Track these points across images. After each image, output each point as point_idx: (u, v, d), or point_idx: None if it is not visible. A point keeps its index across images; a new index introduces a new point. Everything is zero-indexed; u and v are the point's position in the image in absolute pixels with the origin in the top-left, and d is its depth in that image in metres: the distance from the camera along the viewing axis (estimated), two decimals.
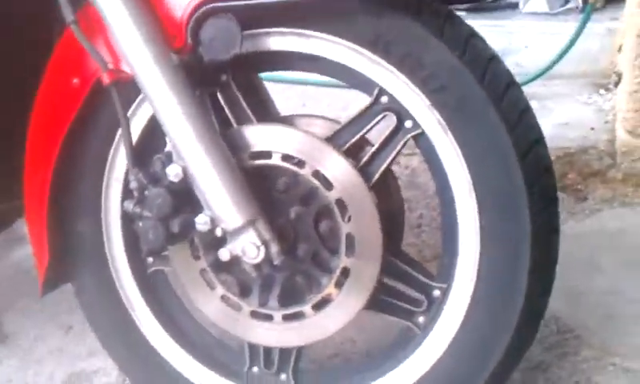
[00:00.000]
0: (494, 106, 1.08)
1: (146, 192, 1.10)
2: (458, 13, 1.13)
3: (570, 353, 1.55)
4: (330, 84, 3.18)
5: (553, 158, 1.16)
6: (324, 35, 1.11)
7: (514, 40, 3.53)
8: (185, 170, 1.10)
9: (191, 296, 1.25)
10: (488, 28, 3.31)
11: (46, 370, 1.66)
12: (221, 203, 1.09)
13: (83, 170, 1.26)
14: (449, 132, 1.10)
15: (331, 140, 1.15)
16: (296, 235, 1.18)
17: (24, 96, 1.29)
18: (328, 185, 1.14)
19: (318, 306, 1.19)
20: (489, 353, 1.16)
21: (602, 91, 3.18)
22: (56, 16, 1.14)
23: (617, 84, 3.11)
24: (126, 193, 1.23)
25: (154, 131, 1.20)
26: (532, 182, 1.09)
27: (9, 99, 1.41)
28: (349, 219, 1.14)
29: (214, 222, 1.11)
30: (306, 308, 1.19)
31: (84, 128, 1.21)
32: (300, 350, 1.28)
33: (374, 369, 1.25)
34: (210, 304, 1.24)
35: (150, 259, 1.31)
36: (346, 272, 1.16)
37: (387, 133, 1.14)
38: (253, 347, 1.29)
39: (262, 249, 1.11)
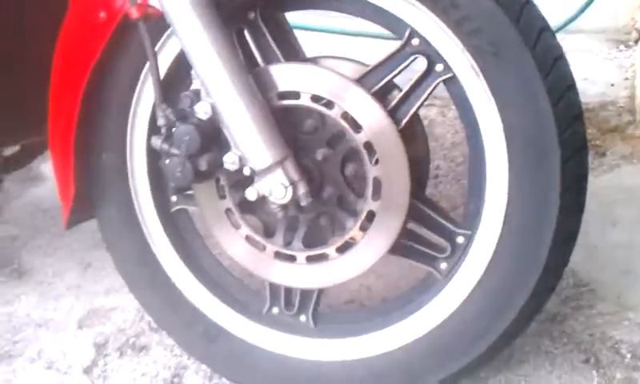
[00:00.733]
0: (528, 50, 1.06)
1: (174, 129, 1.09)
2: None
3: (584, 306, 1.55)
4: (347, 32, 3.16)
5: None
6: None
7: None
8: (213, 108, 1.09)
9: (215, 235, 1.25)
10: None
11: (65, 306, 1.67)
12: (249, 142, 1.09)
13: (109, 105, 1.25)
14: (481, 76, 1.08)
15: (360, 82, 1.13)
16: (322, 177, 1.18)
17: (40, 33, 1.28)
18: (356, 127, 1.13)
19: (342, 249, 1.19)
20: (510, 301, 1.16)
21: (621, 47, 3.15)
22: None
23: (637, 40, 3.08)
24: (152, 129, 1.22)
25: (181, 68, 1.20)
26: (563, 129, 1.08)
27: (25, 38, 1.40)
28: (376, 162, 1.13)
29: (242, 161, 1.11)
30: (330, 250, 1.19)
31: (110, 62, 1.20)
32: (320, 293, 1.29)
33: (394, 312, 1.25)
34: (234, 244, 1.24)
35: (174, 198, 1.31)
36: (371, 215, 1.16)
37: (417, 76, 1.12)
38: (274, 288, 1.29)
39: (290, 189, 1.11)
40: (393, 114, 1.13)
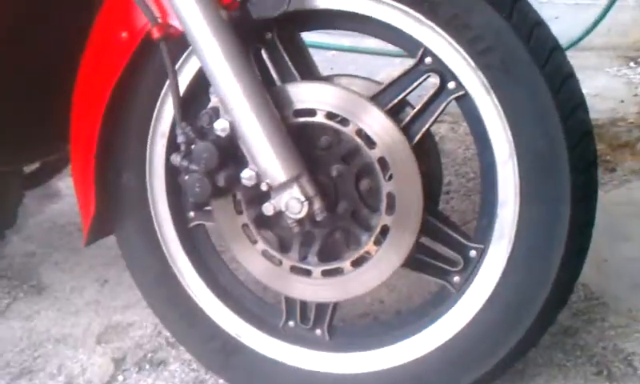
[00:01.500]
0: (538, 69, 1.09)
1: (193, 146, 1.12)
2: None
3: (597, 319, 1.56)
4: (356, 49, 3.19)
5: None
6: None
7: (544, 11, 3.48)
8: (232, 125, 1.12)
9: (232, 250, 1.28)
10: None
11: (83, 322, 1.70)
12: (267, 158, 1.12)
13: (130, 123, 1.28)
14: (493, 94, 1.11)
15: (374, 99, 1.16)
16: (337, 192, 1.20)
17: (64, 52, 1.31)
18: (371, 143, 1.15)
19: (357, 263, 1.21)
20: (522, 314, 1.18)
21: (632, 64, 3.16)
22: None
23: None
24: (171, 146, 1.25)
25: (200, 86, 1.23)
26: (573, 146, 1.10)
27: (49, 57, 1.44)
28: (390, 178, 1.16)
29: (259, 177, 1.13)
30: (345, 264, 1.22)
31: (131, 81, 1.23)
32: (336, 306, 1.31)
33: (408, 326, 1.27)
34: (251, 258, 1.27)
35: (192, 213, 1.34)
36: (385, 230, 1.18)
37: (430, 94, 1.15)
38: (289, 302, 1.31)
39: (306, 204, 1.13)
40: (406, 130, 1.15)
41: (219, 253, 1.39)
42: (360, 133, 1.15)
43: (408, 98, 1.17)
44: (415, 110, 1.16)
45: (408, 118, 1.16)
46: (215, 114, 1.14)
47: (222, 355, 1.36)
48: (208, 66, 1.10)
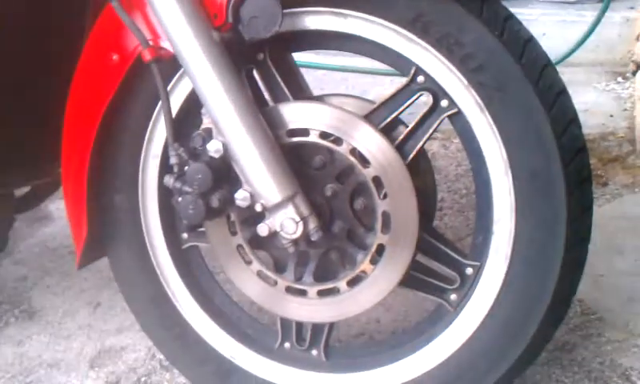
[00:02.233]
0: (531, 86, 1.09)
1: (186, 167, 1.12)
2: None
3: (593, 334, 1.56)
4: (347, 69, 3.20)
5: None
6: (361, 14, 1.12)
7: (531, 28, 3.53)
8: (225, 146, 1.11)
9: (227, 271, 1.27)
10: None
11: (76, 346, 1.68)
12: (261, 179, 1.11)
13: (122, 144, 1.27)
14: (486, 111, 1.11)
15: (367, 118, 1.16)
16: (332, 212, 1.19)
17: (55, 74, 1.31)
18: (365, 162, 1.15)
19: (353, 282, 1.20)
20: (520, 331, 1.17)
21: (619, 79, 3.19)
22: None
23: (634, 72, 3.12)
24: (164, 168, 1.25)
25: (192, 107, 1.22)
26: (568, 162, 1.10)
27: (40, 79, 1.43)
28: (385, 196, 1.15)
29: (253, 198, 1.13)
30: (341, 284, 1.21)
31: (123, 104, 1.22)
32: (332, 327, 1.30)
33: (405, 345, 1.26)
34: (246, 279, 1.26)
35: (185, 235, 1.33)
36: (381, 249, 1.17)
37: (423, 112, 1.15)
38: (285, 322, 1.30)
39: (301, 224, 1.13)
40: (400, 148, 1.15)
41: (213, 274, 1.38)
42: (354, 152, 1.15)
43: (401, 116, 1.17)
44: (409, 129, 1.16)
45: (401, 137, 1.16)
46: (208, 134, 1.13)
47: (217, 378, 1.35)
48: (200, 87, 1.10)
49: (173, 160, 1.13)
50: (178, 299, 1.34)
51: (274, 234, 1.15)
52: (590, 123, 2.66)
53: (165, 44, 1.13)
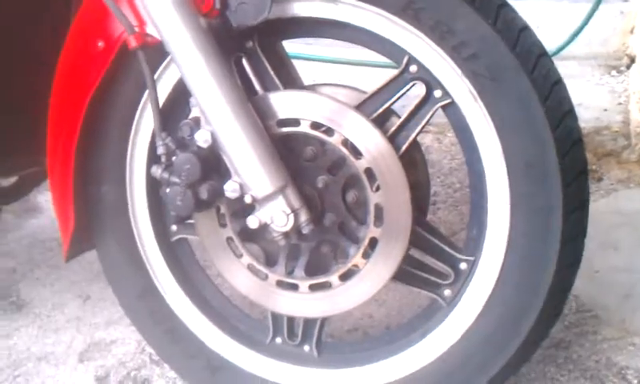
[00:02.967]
0: (526, 75, 1.07)
1: (174, 157, 1.09)
2: None
3: (589, 332, 1.54)
4: (339, 60, 3.17)
5: None
6: (352, 1, 1.10)
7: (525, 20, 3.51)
8: (213, 136, 1.09)
9: (217, 264, 1.25)
10: None
11: (65, 339, 1.66)
12: (250, 169, 1.09)
13: (108, 134, 1.25)
14: (480, 101, 1.08)
15: (359, 109, 1.14)
16: (323, 204, 1.17)
17: (41, 63, 1.28)
18: (357, 154, 1.13)
19: (345, 277, 1.18)
20: (516, 327, 1.15)
21: (614, 73, 3.17)
22: None
23: (629, 66, 3.10)
24: (152, 158, 1.22)
25: (180, 96, 1.20)
26: (564, 154, 1.08)
27: (25, 68, 1.41)
28: (377, 189, 1.13)
29: (242, 189, 1.10)
30: (333, 278, 1.19)
31: (109, 92, 1.20)
32: (324, 322, 1.28)
33: (398, 341, 1.24)
34: (236, 273, 1.24)
35: (174, 227, 1.31)
36: (374, 242, 1.15)
37: (416, 102, 1.12)
38: (276, 317, 1.28)
39: (292, 217, 1.10)
40: (392, 140, 1.13)
41: (203, 267, 1.36)
42: (346, 143, 1.13)
43: (393, 107, 1.15)
44: (401, 119, 1.13)
45: (394, 128, 1.13)
46: (196, 124, 1.11)
47: (207, 372, 1.32)
48: (187, 75, 1.07)
49: (160, 150, 1.10)
50: (168, 293, 1.32)
51: (264, 227, 1.13)
52: (585, 117, 2.64)
53: (151, 30, 1.10)
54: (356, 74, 2.94)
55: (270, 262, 1.22)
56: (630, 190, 2.17)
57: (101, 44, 1.15)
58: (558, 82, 1.11)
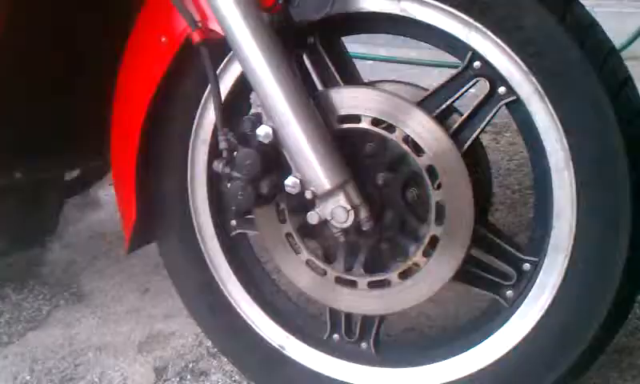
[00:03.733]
0: (595, 72, 1.03)
1: (236, 153, 1.10)
2: None
3: None
4: (394, 59, 3.15)
5: None
6: None
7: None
8: (275, 131, 1.09)
9: (275, 260, 1.25)
10: None
11: (124, 330, 1.69)
12: (311, 165, 1.08)
13: (171, 129, 1.26)
14: (546, 99, 1.05)
15: (421, 105, 1.12)
16: (384, 201, 1.16)
17: (106, 57, 1.31)
18: (418, 151, 1.11)
19: (405, 275, 1.17)
20: (580, 331, 1.12)
21: None
22: None
23: None
24: (213, 153, 1.23)
25: (242, 91, 1.20)
26: (633, 154, 1.04)
27: (90, 62, 1.43)
28: (439, 186, 1.11)
29: (303, 185, 1.10)
30: (392, 276, 1.17)
31: (172, 87, 1.21)
32: (382, 320, 1.26)
33: (457, 342, 1.22)
34: (295, 268, 1.23)
35: (234, 222, 1.31)
36: (434, 241, 1.13)
37: (479, 99, 1.10)
38: (334, 314, 1.28)
39: (352, 213, 1.10)
40: (455, 137, 1.11)
41: (262, 262, 1.37)
42: (407, 140, 1.11)
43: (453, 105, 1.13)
44: (465, 116, 1.11)
45: (457, 125, 1.11)
46: (258, 119, 1.11)
47: (265, 367, 1.33)
48: (249, 71, 1.08)
49: (222, 145, 1.11)
50: (227, 286, 1.33)
51: (324, 223, 1.12)
52: None
53: (214, 26, 1.11)
54: (406, 74, 2.93)
55: (329, 258, 1.22)
56: None
57: (164, 39, 1.17)
58: (628, 80, 1.07)
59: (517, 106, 1.09)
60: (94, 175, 1.83)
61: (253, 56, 1.07)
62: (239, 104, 1.23)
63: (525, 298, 1.14)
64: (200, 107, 1.24)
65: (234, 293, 1.32)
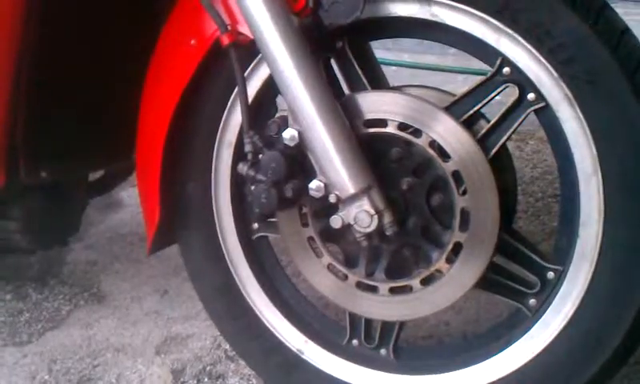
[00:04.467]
0: (626, 79, 1.02)
1: (261, 155, 1.09)
2: None
3: None
4: (417, 65, 3.14)
5: None
6: (447, 1, 1.07)
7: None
8: (300, 135, 1.09)
9: (297, 263, 1.24)
10: None
11: (143, 332, 1.69)
12: (336, 169, 1.08)
13: (196, 131, 1.26)
14: (576, 106, 1.04)
15: (448, 110, 1.11)
16: (408, 206, 1.15)
17: (131, 58, 1.31)
18: (444, 156, 1.10)
19: (427, 281, 1.16)
20: (603, 341, 1.10)
21: None
22: None
23: None
24: (238, 156, 1.23)
25: (268, 95, 1.20)
26: None
27: (115, 63, 1.44)
28: (464, 193, 1.10)
29: (327, 189, 1.10)
30: (414, 282, 1.16)
31: (199, 89, 1.21)
32: (402, 326, 1.25)
33: (478, 350, 1.21)
34: (316, 272, 1.23)
35: (256, 225, 1.31)
36: (458, 247, 1.12)
37: (508, 105, 1.09)
38: (354, 319, 1.27)
39: (375, 218, 1.09)
40: (482, 143, 1.10)
41: (282, 265, 1.36)
42: (433, 145, 1.11)
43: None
44: (492, 122, 1.10)
45: (484, 131, 1.11)
46: (283, 122, 1.11)
47: (283, 371, 1.32)
48: (277, 74, 1.08)
49: (247, 147, 1.11)
50: (247, 289, 1.32)
51: (346, 227, 1.12)
52: None
53: (243, 29, 1.11)
54: (430, 80, 2.92)
55: (351, 262, 1.21)
56: None
57: (193, 42, 1.17)
58: None
59: (545, 113, 1.08)
60: (117, 176, 1.83)
61: (281, 59, 1.06)
62: (265, 107, 1.23)
63: (548, 306, 1.13)
64: (227, 109, 1.24)
65: (253, 295, 1.32)
